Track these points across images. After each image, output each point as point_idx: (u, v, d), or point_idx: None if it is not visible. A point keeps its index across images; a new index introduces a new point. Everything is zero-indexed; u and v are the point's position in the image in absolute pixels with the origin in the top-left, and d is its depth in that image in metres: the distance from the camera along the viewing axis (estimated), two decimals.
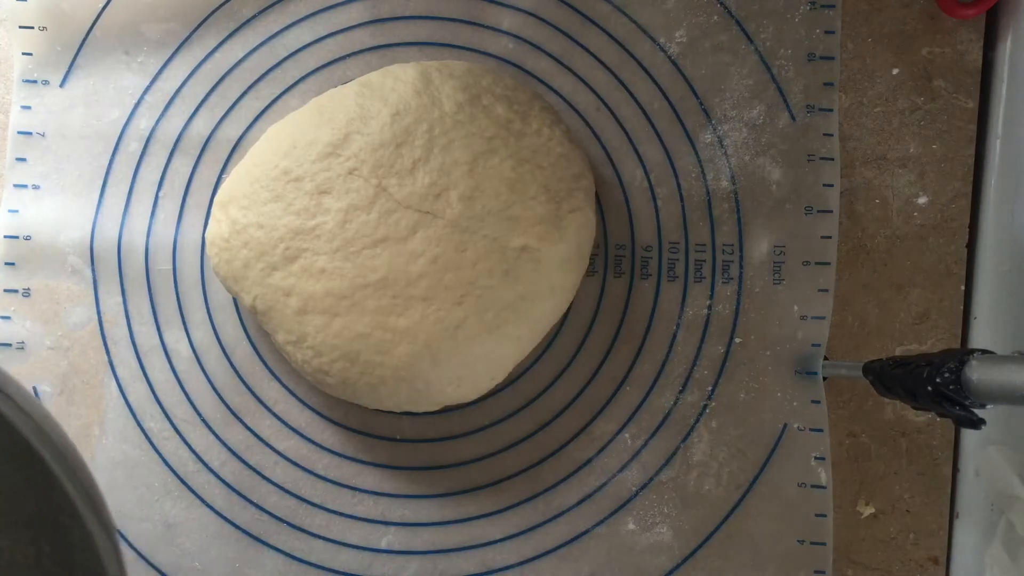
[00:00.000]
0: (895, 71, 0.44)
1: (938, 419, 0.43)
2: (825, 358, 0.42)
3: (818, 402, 0.42)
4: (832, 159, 0.43)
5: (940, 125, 0.44)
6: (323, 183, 0.38)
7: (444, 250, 0.37)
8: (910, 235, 0.44)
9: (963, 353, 0.32)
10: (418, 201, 0.38)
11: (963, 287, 0.44)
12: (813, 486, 0.42)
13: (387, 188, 0.38)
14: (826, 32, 0.43)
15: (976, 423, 0.32)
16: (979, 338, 0.43)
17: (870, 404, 0.43)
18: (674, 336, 0.43)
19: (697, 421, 0.42)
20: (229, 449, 0.42)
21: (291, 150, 0.39)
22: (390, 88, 0.39)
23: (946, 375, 0.32)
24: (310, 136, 0.39)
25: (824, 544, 0.42)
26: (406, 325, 0.37)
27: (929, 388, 0.32)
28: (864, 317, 0.44)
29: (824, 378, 0.42)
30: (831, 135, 0.43)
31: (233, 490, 0.42)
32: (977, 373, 0.31)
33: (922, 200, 0.44)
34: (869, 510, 0.43)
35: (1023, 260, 0.42)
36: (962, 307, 0.44)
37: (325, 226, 0.38)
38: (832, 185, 0.43)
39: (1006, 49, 0.43)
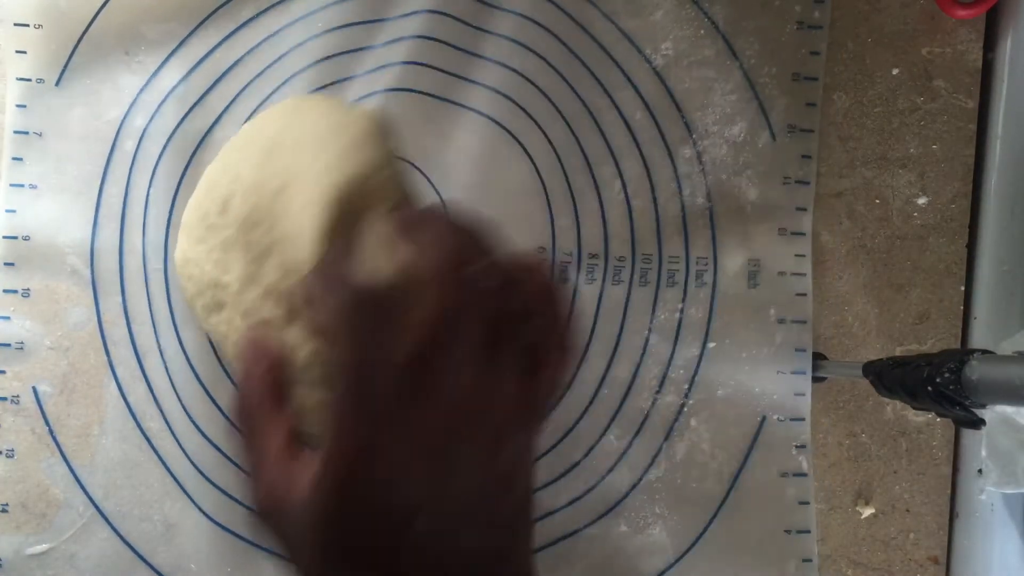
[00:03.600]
0: (895, 71, 0.44)
1: (938, 419, 0.43)
2: (825, 358, 0.42)
3: (802, 395, 0.42)
4: (808, 183, 0.43)
5: (940, 125, 0.44)
6: (226, 240, 0.33)
7: None
8: (910, 235, 0.44)
9: (963, 353, 0.32)
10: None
11: (963, 287, 0.44)
12: (795, 474, 0.42)
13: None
14: (811, 53, 0.43)
15: (976, 423, 0.32)
16: (979, 338, 0.43)
17: (870, 404, 0.43)
18: (647, 340, 0.43)
19: (676, 420, 0.42)
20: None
21: (207, 192, 0.34)
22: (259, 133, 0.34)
23: (946, 375, 0.32)
24: (211, 183, 0.34)
25: (808, 532, 0.42)
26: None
27: (929, 388, 0.32)
28: (864, 317, 0.44)
29: (824, 378, 0.42)
30: (809, 157, 0.43)
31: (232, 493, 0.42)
32: (977, 373, 0.31)
33: (922, 200, 0.44)
34: (869, 510, 0.43)
35: (1023, 260, 0.42)
36: (962, 307, 0.44)
37: (232, 287, 0.33)
38: (805, 209, 0.43)
39: (1006, 49, 0.43)
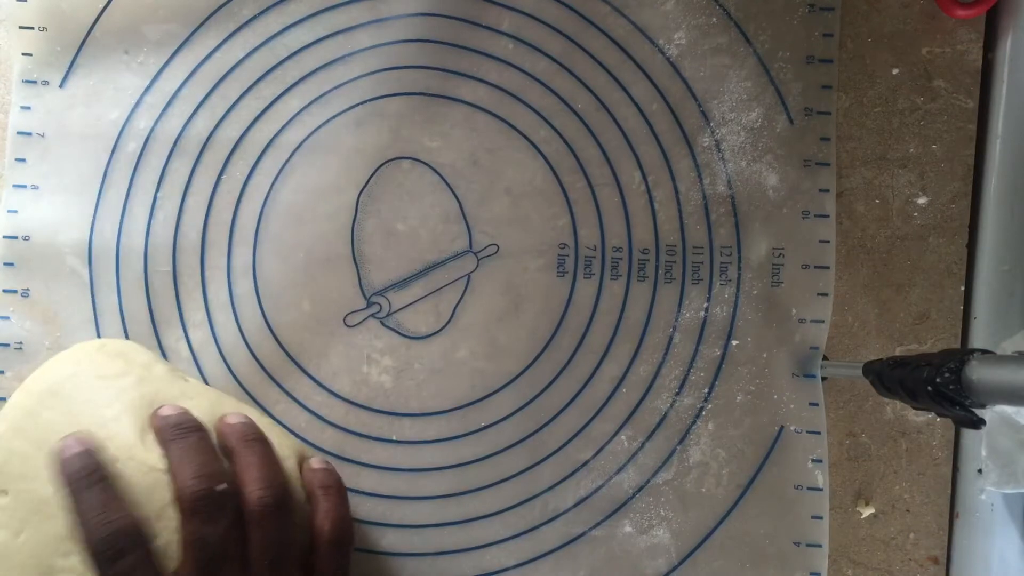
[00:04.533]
0: (895, 71, 0.44)
1: (938, 419, 0.43)
2: (825, 358, 0.42)
3: (816, 405, 0.42)
4: (828, 164, 0.43)
5: (940, 125, 0.44)
6: None
7: None
8: (910, 235, 0.44)
9: (963, 353, 0.32)
10: None
11: (963, 287, 0.44)
12: (809, 488, 0.42)
13: None
14: (824, 35, 0.43)
15: (976, 423, 0.32)
16: (979, 338, 0.43)
17: (870, 404, 0.43)
18: (670, 338, 0.43)
19: (693, 423, 0.42)
20: None
21: None
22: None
23: (946, 375, 0.32)
24: None
25: (820, 546, 0.42)
26: None
27: (929, 388, 0.32)
28: (864, 317, 0.44)
29: (824, 378, 0.42)
30: (828, 139, 0.43)
31: None
32: (977, 373, 0.31)
33: (922, 200, 0.44)
34: (869, 510, 0.43)
35: (1023, 260, 0.42)
36: (962, 307, 0.44)
37: None
38: (828, 190, 0.43)
39: (1006, 49, 0.43)
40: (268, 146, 0.43)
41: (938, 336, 0.44)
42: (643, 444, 0.42)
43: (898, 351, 0.44)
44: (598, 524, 0.42)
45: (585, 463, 0.42)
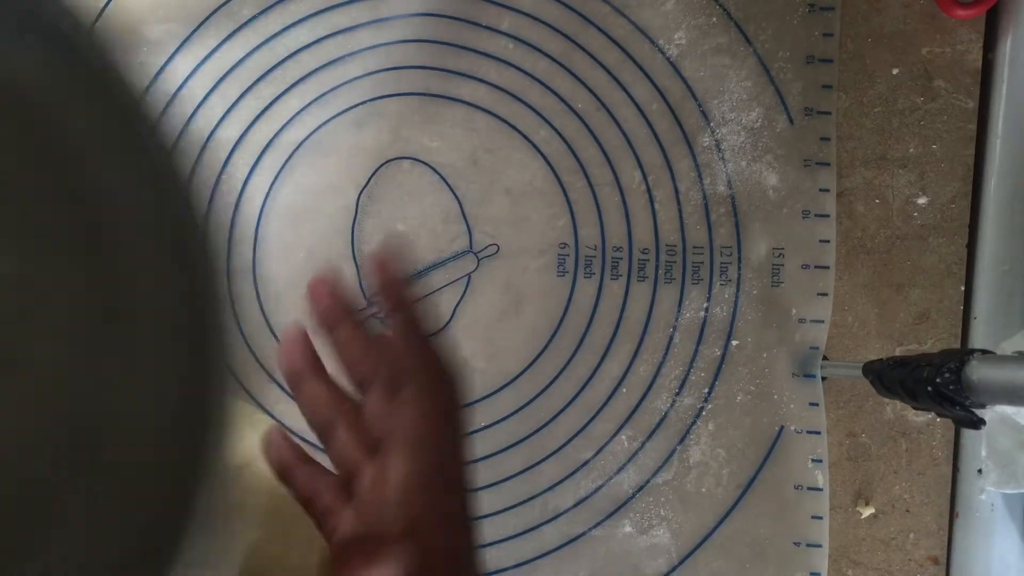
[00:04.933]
0: (895, 71, 0.44)
1: (938, 419, 0.43)
2: (825, 358, 0.43)
3: (816, 404, 0.42)
4: (828, 164, 0.43)
5: (940, 125, 0.44)
6: None
7: None
8: (910, 235, 0.44)
9: (963, 353, 0.32)
10: None
11: (963, 287, 0.44)
12: (810, 488, 0.42)
13: None
14: (824, 35, 0.43)
15: (976, 423, 0.32)
16: (979, 338, 0.43)
17: (870, 404, 0.43)
18: (670, 339, 0.43)
19: (693, 423, 0.42)
20: None
21: None
22: None
23: (946, 375, 0.32)
24: None
25: (820, 546, 0.42)
26: None
27: (929, 388, 0.32)
28: (864, 317, 0.44)
29: (824, 378, 0.42)
30: (828, 139, 0.43)
31: None
32: (977, 373, 0.31)
33: (922, 200, 0.44)
34: (869, 510, 0.43)
35: (1023, 260, 0.42)
36: (962, 307, 0.44)
37: None
38: (828, 190, 0.43)
39: (1006, 49, 0.43)
40: (268, 146, 0.43)
41: (938, 336, 0.44)
42: (643, 444, 0.42)
43: (898, 351, 0.44)
44: (598, 524, 0.42)
45: (585, 463, 0.42)
